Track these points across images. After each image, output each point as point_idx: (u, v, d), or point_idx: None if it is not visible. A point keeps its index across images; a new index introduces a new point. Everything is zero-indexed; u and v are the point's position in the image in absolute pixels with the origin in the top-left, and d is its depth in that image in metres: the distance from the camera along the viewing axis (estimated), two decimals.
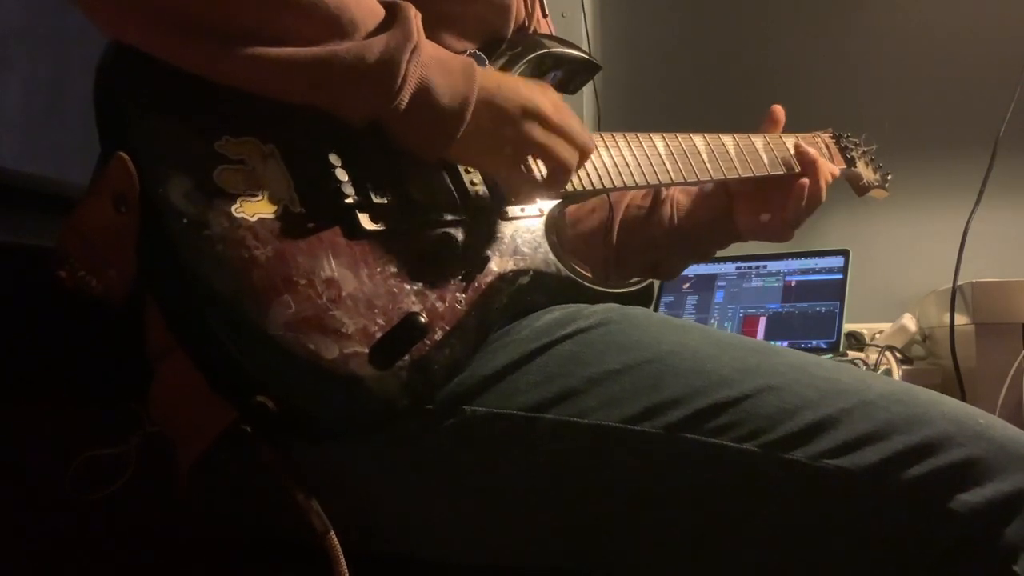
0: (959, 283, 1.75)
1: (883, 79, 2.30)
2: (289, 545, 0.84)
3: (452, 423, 0.78)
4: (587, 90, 2.05)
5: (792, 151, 1.26)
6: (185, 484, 0.88)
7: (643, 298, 0.98)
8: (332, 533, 0.71)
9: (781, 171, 1.24)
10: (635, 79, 2.47)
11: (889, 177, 1.52)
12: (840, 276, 2.02)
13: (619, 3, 2.55)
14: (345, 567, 0.70)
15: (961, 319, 1.74)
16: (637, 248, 1.28)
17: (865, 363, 1.80)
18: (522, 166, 0.88)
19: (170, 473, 0.89)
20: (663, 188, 1.28)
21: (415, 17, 0.80)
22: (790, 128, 1.31)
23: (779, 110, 1.30)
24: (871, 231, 2.20)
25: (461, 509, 0.81)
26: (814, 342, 1.94)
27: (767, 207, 1.24)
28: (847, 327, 2.00)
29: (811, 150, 1.25)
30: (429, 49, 0.81)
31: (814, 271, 2.05)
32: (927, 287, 2.02)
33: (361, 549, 0.79)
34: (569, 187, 0.98)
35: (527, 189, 0.90)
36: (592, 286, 0.94)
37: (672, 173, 1.12)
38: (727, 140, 1.21)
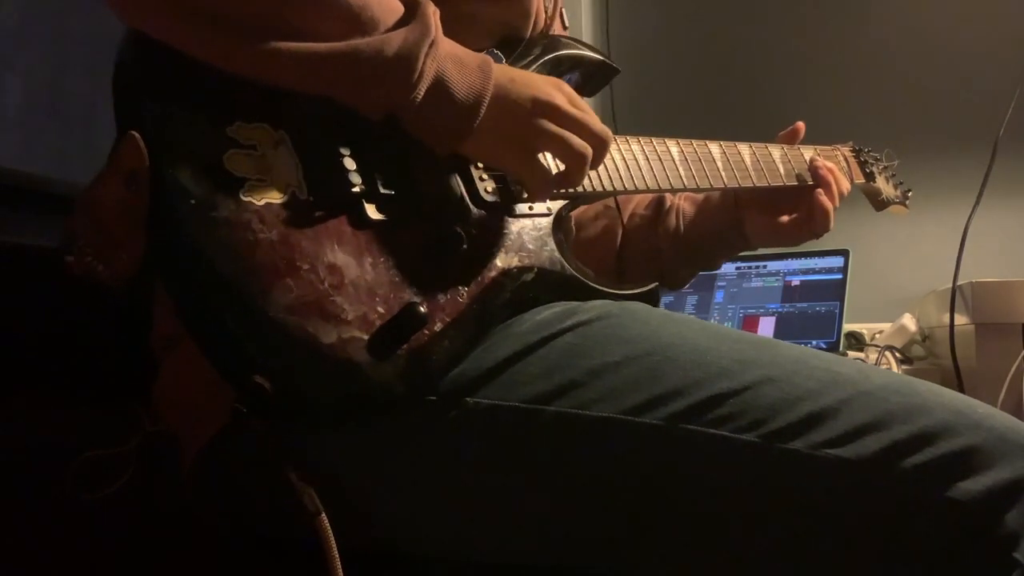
0: (959, 283, 1.75)
1: (884, 79, 2.31)
2: (290, 544, 0.84)
3: (454, 415, 0.78)
4: (601, 94, 2.05)
5: (808, 164, 1.26)
6: (188, 478, 0.88)
7: (648, 302, 0.98)
8: (323, 515, 0.71)
9: (796, 183, 1.24)
10: (637, 83, 2.46)
11: (910, 193, 1.52)
12: (840, 276, 2.02)
13: (621, 6, 2.56)
14: (335, 549, 0.70)
15: (961, 319, 1.74)
16: (641, 257, 1.28)
17: (866, 363, 1.80)
18: (536, 160, 0.88)
19: (172, 470, 0.89)
20: (667, 197, 1.28)
21: (434, 14, 0.81)
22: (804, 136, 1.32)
23: (800, 126, 1.31)
24: (871, 231, 2.20)
25: (461, 503, 0.81)
26: (814, 342, 1.94)
27: (781, 213, 1.24)
28: (847, 327, 2.00)
29: (826, 165, 1.25)
30: (446, 45, 0.82)
31: (814, 271, 2.05)
32: (927, 287, 2.02)
33: (361, 543, 0.80)
34: (580, 187, 0.98)
35: (542, 184, 0.88)
36: (596, 286, 0.94)
37: (685, 179, 1.11)
38: (743, 148, 1.20)
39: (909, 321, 1.99)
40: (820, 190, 1.23)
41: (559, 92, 0.87)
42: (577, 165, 0.88)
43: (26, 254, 1.14)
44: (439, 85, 0.80)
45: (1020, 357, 1.64)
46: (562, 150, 0.87)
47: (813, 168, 1.25)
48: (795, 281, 2.06)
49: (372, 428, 0.78)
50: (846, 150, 1.39)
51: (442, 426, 0.78)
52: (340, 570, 0.70)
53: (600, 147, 0.89)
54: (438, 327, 0.78)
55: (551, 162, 0.89)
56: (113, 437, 0.95)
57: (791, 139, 1.30)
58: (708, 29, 2.49)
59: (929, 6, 2.31)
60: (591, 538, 0.81)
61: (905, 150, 1.99)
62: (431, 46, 0.79)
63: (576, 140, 0.87)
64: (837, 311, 1.97)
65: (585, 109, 0.89)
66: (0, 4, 1.38)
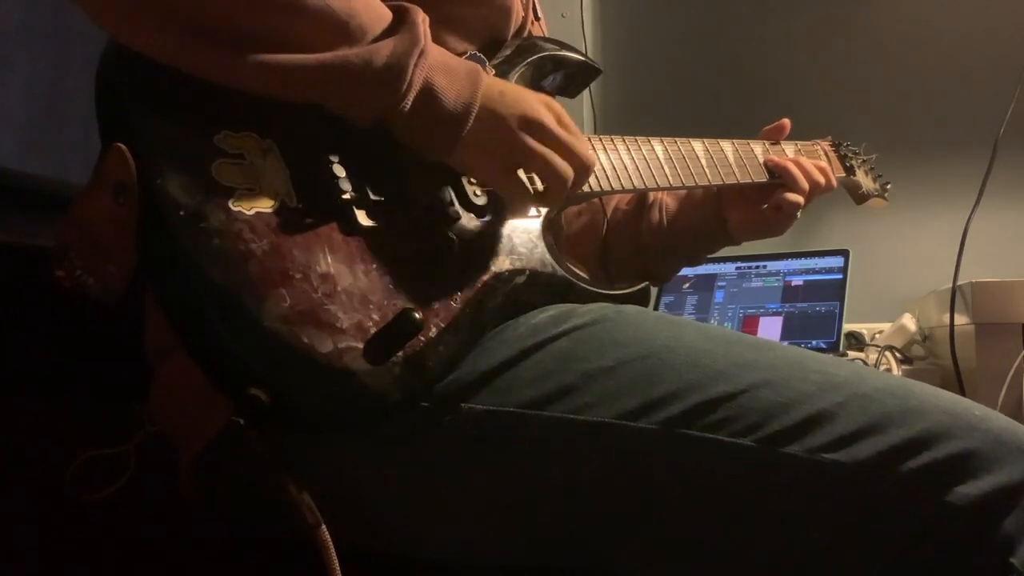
0: (959, 283, 1.75)
1: (883, 79, 2.30)
2: (288, 545, 0.84)
3: (450, 420, 0.78)
4: (584, 92, 2.05)
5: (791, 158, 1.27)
6: (185, 482, 0.88)
7: (639, 301, 0.98)
8: (323, 526, 0.71)
9: (779, 180, 1.25)
10: (633, 80, 2.47)
11: (888, 186, 1.53)
12: (840, 276, 2.02)
13: (619, 4, 2.56)
14: (336, 560, 0.70)
15: (961, 319, 1.73)
16: (625, 252, 1.28)
17: (865, 363, 1.80)
18: (517, 177, 0.88)
19: (171, 472, 0.89)
20: (650, 192, 1.28)
21: (423, 22, 0.81)
22: (791, 133, 1.32)
23: (786, 123, 1.31)
24: (871, 231, 2.20)
25: (459, 507, 0.81)
26: (814, 342, 1.94)
27: (761, 205, 1.25)
28: (847, 327, 2.00)
29: (778, 159, 1.26)
30: (435, 54, 0.81)
31: (814, 271, 2.05)
32: (927, 287, 2.02)
33: (359, 549, 0.80)
34: None
35: (521, 200, 0.90)
36: (588, 287, 0.94)
37: (671, 177, 1.12)
38: (726, 146, 1.21)
39: (909, 321, 1.98)
40: (782, 186, 1.24)
41: (547, 110, 0.87)
42: (557, 186, 0.88)
43: (26, 254, 1.14)
44: (428, 94, 0.80)
45: (1020, 357, 1.63)
46: (544, 169, 0.87)
47: (768, 163, 1.25)
48: (795, 281, 2.05)
49: (369, 434, 0.78)
50: (826, 144, 1.41)
51: (438, 431, 0.78)
52: None
53: (582, 171, 0.89)
54: (433, 332, 0.78)
55: (533, 180, 0.89)
56: (113, 437, 0.95)
57: (776, 135, 1.30)
58: (698, 26, 2.48)
59: (928, 5, 2.31)
60: (586, 541, 0.81)
61: (905, 150, 2.00)
62: (420, 55, 0.79)
63: (559, 161, 0.86)
64: (837, 311, 1.97)
65: (572, 130, 0.89)
66: (0, 4, 1.38)
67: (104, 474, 0.94)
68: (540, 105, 0.87)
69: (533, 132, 0.85)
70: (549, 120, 0.87)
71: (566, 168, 0.87)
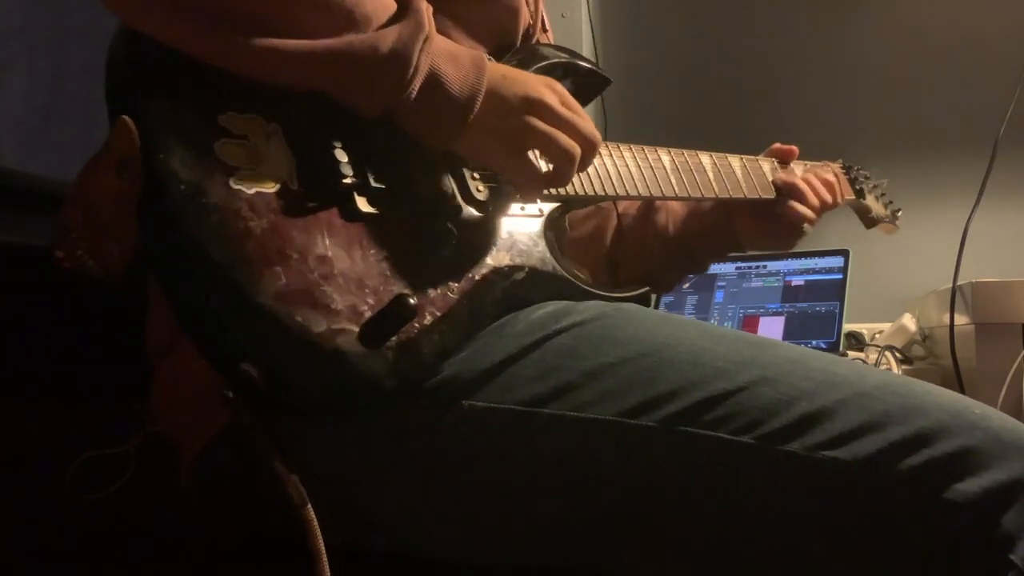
0: (959, 283, 1.75)
1: (883, 80, 2.30)
2: (287, 545, 0.84)
3: (450, 417, 0.78)
4: (594, 104, 2.05)
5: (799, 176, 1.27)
6: (186, 482, 0.88)
7: (639, 305, 0.98)
8: (309, 506, 0.70)
9: (787, 196, 1.25)
10: (634, 81, 2.46)
11: (899, 213, 1.54)
12: (840, 276, 2.02)
13: (619, 5, 2.56)
14: (321, 541, 0.70)
15: (961, 319, 1.73)
16: (630, 257, 1.28)
17: (865, 363, 1.80)
18: (524, 158, 0.88)
19: (171, 472, 0.89)
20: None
21: (427, 10, 0.81)
22: (797, 139, 1.32)
23: (795, 150, 1.32)
24: (871, 231, 2.20)
25: (459, 505, 0.81)
26: (814, 342, 1.94)
27: (771, 218, 1.25)
28: (847, 327, 2.00)
29: (788, 178, 1.26)
30: (440, 41, 0.82)
31: (814, 271, 2.05)
32: (927, 287, 2.02)
33: (357, 548, 0.80)
34: (570, 191, 0.98)
35: (531, 181, 0.89)
36: (587, 288, 0.94)
37: (676, 187, 1.12)
38: (734, 161, 1.22)
39: (909, 321, 1.99)
40: (791, 200, 1.25)
41: (551, 91, 0.87)
42: (565, 164, 0.88)
43: (26, 254, 1.14)
44: (433, 80, 0.80)
45: (1020, 357, 1.63)
46: (550, 149, 0.87)
47: (776, 182, 1.26)
48: (795, 281, 2.06)
49: (369, 430, 0.78)
50: (836, 167, 1.41)
51: (438, 429, 0.78)
52: (326, 563, 0.70)
53: (588, 148, 0.89)
54: (428, 321, 0.78)
55: (540, 161, 0.89)
56: (113, 437, 0.95)
57: (785, 157, 1.30)
58: (698, 27, 2.48)
59: (928, 6, 2.31)
60: (587, 539, 0.81)
61: (905, 150, 2.00)
62: (425, 42, 0.79)
63: (564, 139, 0.87)
64: (837, 311, 1.97)
65: (577, 110, 0.89)
66: (0, 4, 1.39)
67: (104, 474, 0.94)
68: (543, 86, 0.87)
69: (537, 113, 0.86)
70: (553, 100, 0.87)
71: (573, 146, 0.87)
